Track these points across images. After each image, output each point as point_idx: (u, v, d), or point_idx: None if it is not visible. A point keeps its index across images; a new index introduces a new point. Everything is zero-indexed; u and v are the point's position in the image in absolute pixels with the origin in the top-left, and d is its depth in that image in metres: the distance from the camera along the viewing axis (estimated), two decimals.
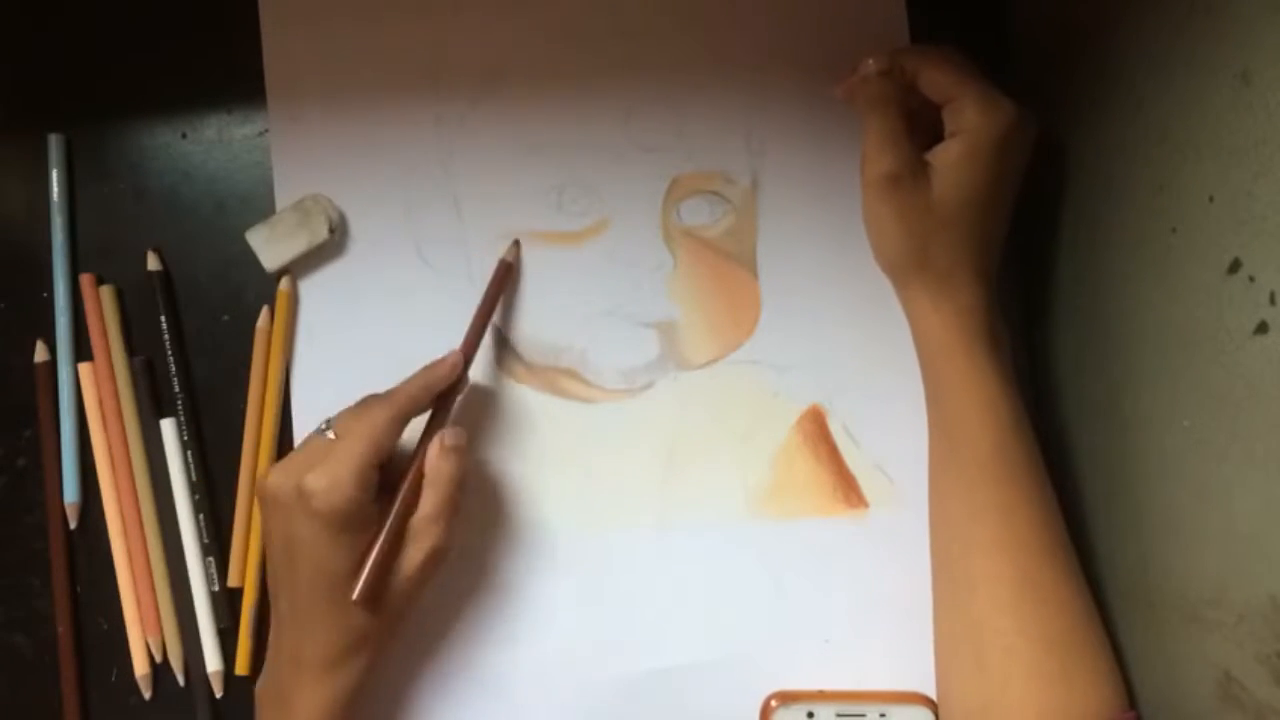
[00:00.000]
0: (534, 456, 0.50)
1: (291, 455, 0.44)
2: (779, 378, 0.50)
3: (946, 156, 0.44)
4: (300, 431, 0.50)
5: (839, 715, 0.47)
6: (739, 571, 0.50)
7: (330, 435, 0.43)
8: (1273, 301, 0.34)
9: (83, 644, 0.50)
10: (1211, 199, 0.36)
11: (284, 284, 0.50)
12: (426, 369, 0.46)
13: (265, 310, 0.50)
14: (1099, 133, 0.45)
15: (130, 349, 0.51)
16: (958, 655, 0.44)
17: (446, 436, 0.45)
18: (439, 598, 0.49)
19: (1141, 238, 0.42)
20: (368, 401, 0.44)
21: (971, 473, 0.44)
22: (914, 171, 0.43)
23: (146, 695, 0.50)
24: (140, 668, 0.50)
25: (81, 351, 0.51)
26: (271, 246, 0.50)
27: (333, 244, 0.50)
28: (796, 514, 0.50)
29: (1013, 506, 0.43)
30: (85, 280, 0.51)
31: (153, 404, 0.50)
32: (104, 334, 0.51)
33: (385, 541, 0.43)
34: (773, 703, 0.48)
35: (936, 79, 0.44)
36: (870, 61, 0.44)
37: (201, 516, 0.50)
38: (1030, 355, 0.51)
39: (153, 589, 0.50)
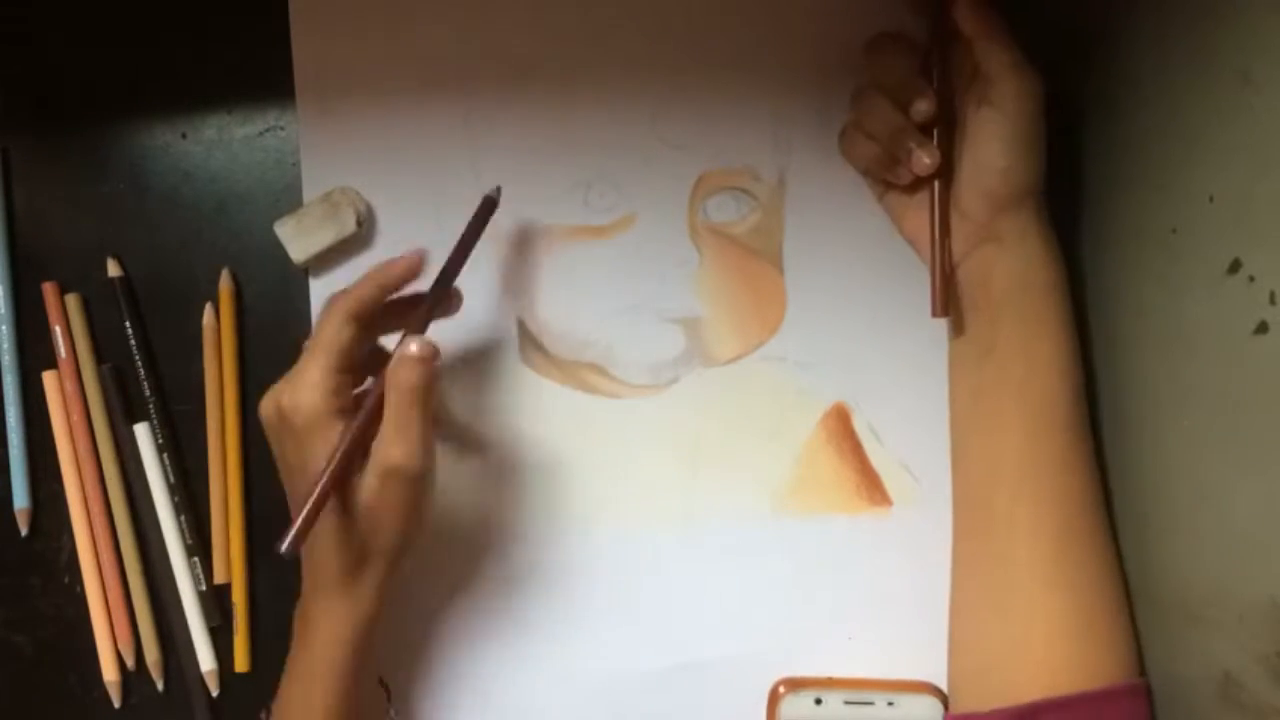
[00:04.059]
0: (559, 452, 0.50)
1: (283, 378, 0.43)
2: (804, 375, 0.51)
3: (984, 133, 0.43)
4: None
5: (847, 702, 0.47)
6: (762, 568, 0.50)
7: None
8: (1273, 301, 0.34)
9: (64, 651, 0.50)
10: (1211, 199, 0.36)
11: (224, 281, 0.50)
12: (381, 265, 0.44)
13: (209, 307, 0.50)
14: (1099, 132, 0.45)
15: (99, 355, 0.51)
16: (981, 605, 0.44)
17: (411, 344, 0.42)
18: (460, 591, 0.49)
19: (1141, 237, 0.42)
20: (324, 306, 0.44)
21: (1040, 421, 0.43)
22: None
23: (116, 703, 0.50)
24: (109, 674, 0.50)
25: (46, 358, 0.51)
26: (299, 238, 0.50)
27: (360, 237, 0.50)
28: (820, 511, 0.50)
29: (1073, 460, 0.43)
30: (49, 289, 0.51)
31: (124, 409, 0.50)
32: (69, 340, 0.51)
33: (325, 484, 0.40)
34: (781, 689, 0.48)
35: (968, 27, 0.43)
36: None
37: (183, 517, 0.50)
38: None
39: (125, 595, 0.50)
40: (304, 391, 0.41)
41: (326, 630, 0.43)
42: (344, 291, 0.44)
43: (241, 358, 0.51)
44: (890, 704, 0.47)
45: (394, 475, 0.41)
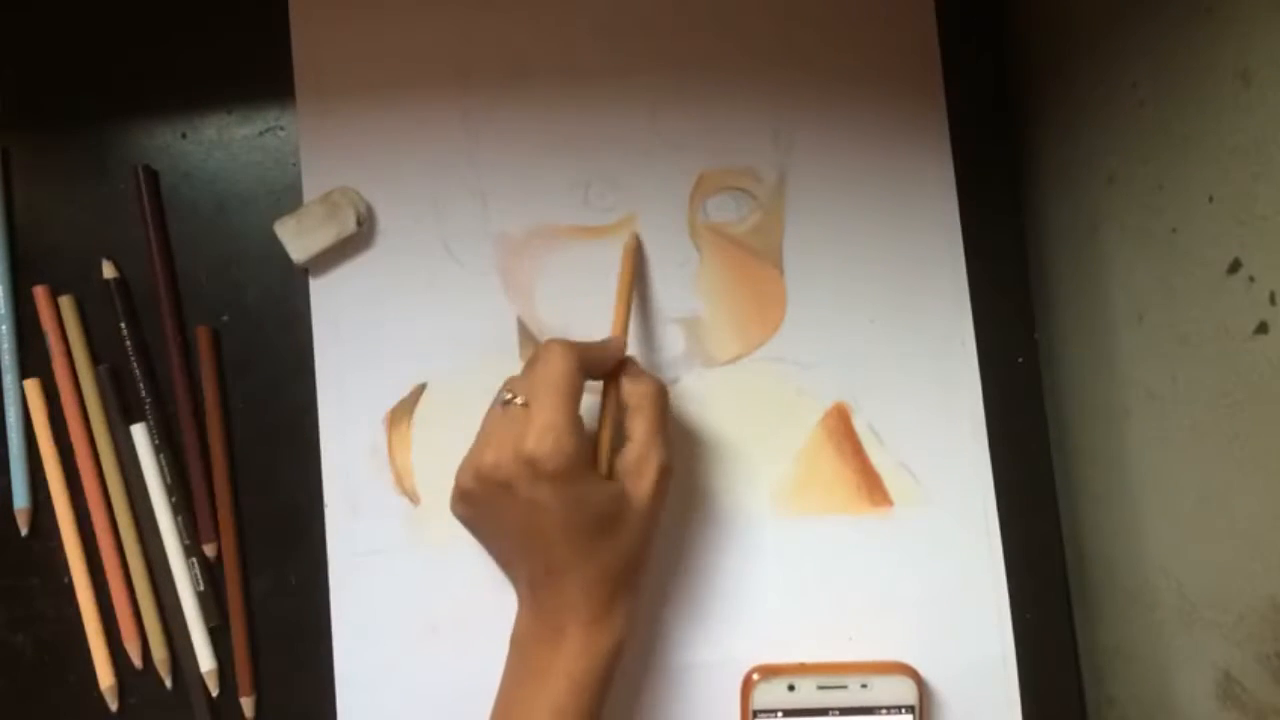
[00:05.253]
0: None
1: (489, 435, 0.43)
2: (804, 375, 0.51)
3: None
4: (326, 423, 0.50)
5: (820, 687, 0.47)
6: (762, 568, 0.50)
7: (520, 401, 0.42)
8: (1273, 301, 0.34)
9: (64, 651, 0.50)
10: (1211, 199, 0.36)
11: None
12: (602, 343, 0.47)
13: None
14: (1099, 132, 0.45)
15: (97, 356, 0.51)
16: None
17: (630, 366, 0.46)
18: (458, 590, 0.49)
19: (1141, 238, 0.42)
20: (542, 358, 0.44)
21: None
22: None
23: (113, 707, 0.50)
24: (105, 679, 0.49)
25: (46, 359, 0.51)
26: (300, 238, 0.50)
27: (360, 237, 0.51)
28: (820, 511, 0.50)
29: None
30: (39, 292, 0.51)
31: (121, 410, 0.50)
32: (63, 343, 0.50)
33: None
34: (754, 676, 0.48)
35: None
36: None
37: (181, 518, 0.50)
38: (1032, 355, 0.51)
39: (129, 594, 0.50)
40: (566, 442, 0.41)
41: (574, 671, 0.42)
42: (564, 346, 0.44)
43: (242, 360, 0.51)
44: (864, 686, 0.47)
45: (666, 474, 0.44)
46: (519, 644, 0.45)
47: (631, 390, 0.45)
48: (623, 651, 0.44)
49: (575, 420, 0.42)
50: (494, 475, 0.42)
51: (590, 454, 0.44)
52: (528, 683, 0.43)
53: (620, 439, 0.45)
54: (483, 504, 0.44)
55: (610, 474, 0.44)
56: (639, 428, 0.44)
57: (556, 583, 0.43)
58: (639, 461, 0.44)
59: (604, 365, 0.46)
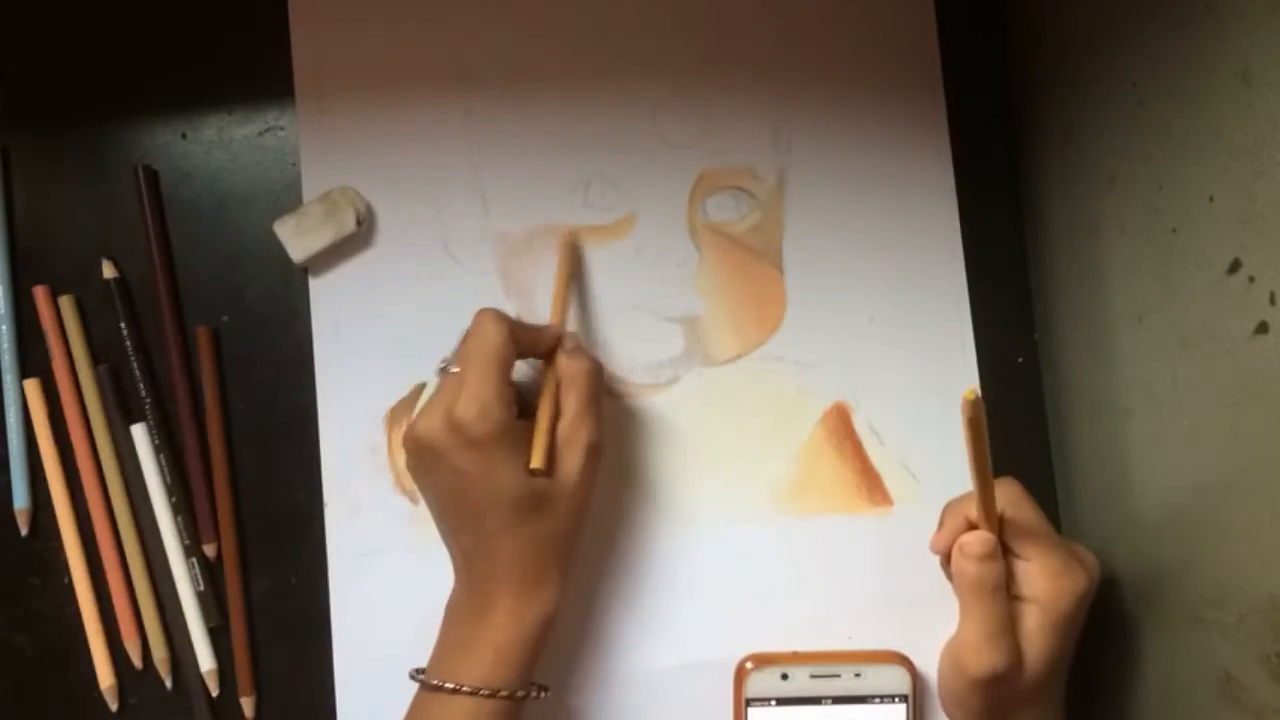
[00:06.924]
0: None
1: (430, 400, 0.44)
2: (804, 374, 0.51)
3: (1024, 628, 0.43)
4: (327, 422, 0.50)
5: (813, 676, 0.47)
6: (762, 568, 0.50)
7: (455, 369, 0.43)
8: (1273, 301, 0.34)
9: (64, 651, 0.50)
10: (1211, 199, 0.36)
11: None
12: (538, 325, 0.47)
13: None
14: (1100, 132, 0.45)
15: (95, 356, 0.51)
16: None
17: (566, 341, 0.46)
18: None
19: (1141, 238, 0.42)
20: (475, 328, 0.44)
21: None
22: (1015, 663, 0.42)
23: (113, 706, 0.50)
24: (105, 680, 0.49)
25: (46, 359, 0.51)
26: (299, 238, 0.50)
27: (360, 236, 0.51)
28: (820, 511, 0.50)
29: None
30: (39, 292, 0.51)
31: (122, 410, 0.50)
32: (62, 343, 0.50)
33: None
34: (747, 665, 0.48)
35: (1013, 532, 0.43)
36: (974, 543, 0.42)
37: (180, 518, 0.50)
38: (1032, 355, 0.51)
39: (130, 594, 0.50)
40: (490, 409, 0.42)
41: (507, 634, 0.43)
42: (497, 317, 0.44)
43: (242, 360, 0.51)
44: (857, 675, 0.47)
45: (594, 451, 0.44)
46: (450, 615, 0.45)
47: (566, 365, 0.45)
48: (552, 624, 0.44)
49: (504, 390, 0.42)
50: (426, 440, 0.42)
51: (522, 432, 0.43)
52: (454, 654, 0.43)
53: (558, 416, 0.45)
54: (419, 470, 0.44)
55: (550, 451, 0.44)
56: (570, 403, 0.44)
57: (487, 554, 0.43)
58: (567, 437, 0.44)
59: (538, 344, 0.46)
